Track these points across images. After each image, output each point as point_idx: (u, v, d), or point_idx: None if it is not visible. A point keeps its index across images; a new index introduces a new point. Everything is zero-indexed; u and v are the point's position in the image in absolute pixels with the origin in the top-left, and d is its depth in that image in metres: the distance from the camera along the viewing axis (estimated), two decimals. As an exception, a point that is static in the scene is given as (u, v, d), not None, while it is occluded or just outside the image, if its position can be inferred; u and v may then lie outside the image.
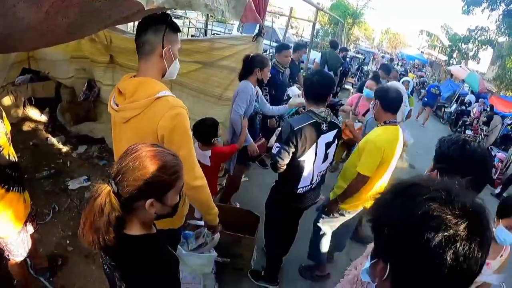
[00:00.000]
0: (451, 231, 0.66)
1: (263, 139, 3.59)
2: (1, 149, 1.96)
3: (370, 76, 8.71)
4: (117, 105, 1.59)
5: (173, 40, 1.62)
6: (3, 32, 1.50)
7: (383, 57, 22.99)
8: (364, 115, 4.41)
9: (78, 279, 2.70)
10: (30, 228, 2.28)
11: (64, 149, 4.31)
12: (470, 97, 13.27)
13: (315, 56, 9.32)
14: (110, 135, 4.33)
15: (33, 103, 4.56)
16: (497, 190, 6.84)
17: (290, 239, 2.94)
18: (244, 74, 3.20)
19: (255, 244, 3.06)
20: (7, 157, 2.01)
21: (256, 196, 4.01)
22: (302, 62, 6.72)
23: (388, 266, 0.76)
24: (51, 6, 1.31)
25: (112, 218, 1.08)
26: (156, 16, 1.57)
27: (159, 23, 1.55)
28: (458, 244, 0.66)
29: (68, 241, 3.00)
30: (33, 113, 4.59)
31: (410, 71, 20.23)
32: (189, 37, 9.12)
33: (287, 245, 2.96)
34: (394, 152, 2.62)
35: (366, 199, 2.76)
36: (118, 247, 1.13)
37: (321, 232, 2.99)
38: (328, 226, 2.97)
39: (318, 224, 2.96)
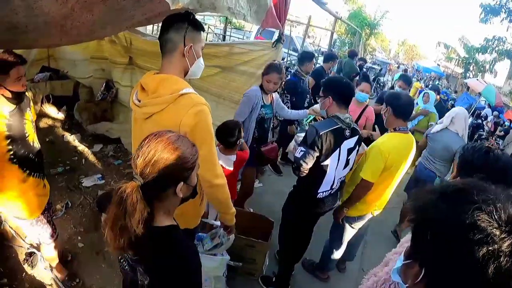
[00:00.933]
0: (496, 245, 0.63)
1: (275, 144, 3.54)
2: (27, 135, 2.11)
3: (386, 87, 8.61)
4: (139, 101, 1.58)
5: (196, 38, 1.59)
6: (27, 25, 1.52)
7: (398, 67, 22.84)
8: (356, 121, 4.21)
9: (87, 276, 2.70)
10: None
11: (80, 147, 4.36)
12: (487, 111, 13.05)
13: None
14: (126, 135, 4.43)
15: (51, 100, 4.65)
16: None
17: (304, 246, 2.90)
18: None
19: (269, 249, 3.02)
20: (31, 144, 2.15)
21: (270, 202, 3.98)
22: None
23: (423, 271, 0.73)
24: (76, 1, 1.32)
25: (145, 215, 1.07)
26: (178, 14, 1.55)
27: (181, 21, 1.53)
28: (501, 259, 0.63)
29: (79, 237, 3.02)
30: (51, 110, 4.67)
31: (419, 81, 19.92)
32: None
33: (301, 252, 2.92)
34: (401, 160, 2.56)
35: (372, 205, 2.74)
36: (147, 240, 1.11)
37: (336, 242, 2.97)
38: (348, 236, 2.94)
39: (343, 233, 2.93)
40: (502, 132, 10.14)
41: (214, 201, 1.86)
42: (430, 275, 0.73)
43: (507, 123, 11.10)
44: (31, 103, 2.23)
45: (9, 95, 1.97)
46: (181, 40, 1.53)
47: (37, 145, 2.23)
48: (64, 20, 1.58)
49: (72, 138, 4.45)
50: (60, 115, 4.76)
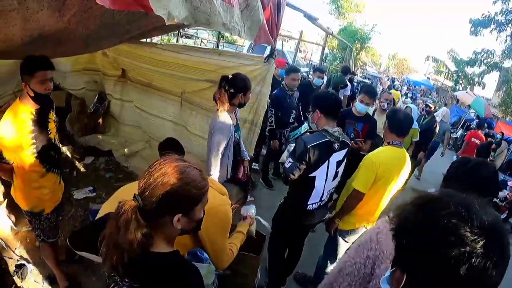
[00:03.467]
0: (468, 247, 0.67)
1: (240, 164, 3.15)
2: (49, 132, 2.28)
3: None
4: None
5: None
6: (23, 37, 1.54)
7: (388, 79, 23.24)
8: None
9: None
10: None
11: (71, 159, 4.33)
12: (476, 123, 13.26)
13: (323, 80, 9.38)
14: (117, 148, 4.40)
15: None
16: (503, 216, 6.80)
17: (294, 258, 2.91)
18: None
19: (260, 263, 3.00)
20: (53, 140, 2.33)
21: (261, 216, 3.98)
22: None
23: (405, 276, 0.78)
24: (72, 15, 1.35)
25: (138, 235, 1.05)
26: None
27: None
28: (473, 260, 0.67)
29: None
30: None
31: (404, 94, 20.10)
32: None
33: (292, 264, 2.92)
34: (392, 172, 2.60)
35: (365, 219, 2.75)
36: (144, 266, 1.10)
37: (331, 257, 2.97)
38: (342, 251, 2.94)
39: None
40: (494, 145, 10.29)
41: None
42: (411, 280, 0.77)
43: (498, 136, 11.27)
44: (54, 106, 2.44)
45: (31, 94, 2.09)
46: None
47: (57, 143, 2.43)
48: (59, 33, 1.60)
49: (63, 150, 4.42)
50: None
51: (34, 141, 2.16)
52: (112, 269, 1.10)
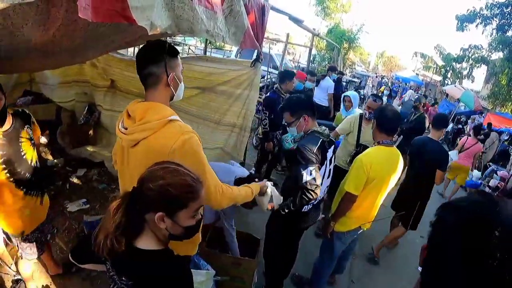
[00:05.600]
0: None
1: None
2: (23, 154, 2.15)
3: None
4: (126, 129, 1.58)
5: (175, 65, 1.64)
6: (9, 51, 1.55)
7: (377, 76, 23.52)
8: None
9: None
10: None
11: (63, 171, 4.31)
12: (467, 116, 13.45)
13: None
14: (109, 159, 4.40)
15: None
16: None
17: (290, 261, 2.91)
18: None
19: (256, 268, 3.01)
20: (29, 162, 2.20)
21: (256, 220, 4.00)
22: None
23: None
24: (57, 29, 1.37)
25: (122, 221, 1.11)
26: (153, 46, 1.59)
27: (158, 53, 1.56)
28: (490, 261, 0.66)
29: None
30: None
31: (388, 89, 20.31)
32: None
33: (288, 267, 2.92)
34: (384, 172, 2.59)
35: (360, 219, 2.76)
36: (130, 262, 1.15)
37: (327, 258, 2.99)
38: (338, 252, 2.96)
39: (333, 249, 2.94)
40: (482, 136, 10.42)
41: (231, 204, 1.88)
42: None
43: (484, 127, 11.43)
44: (33, 119, 2.33)
45: None
46: (163, 71, 1.56)
47: (35, 163, 2.28)
48: (45, 46, 1.61)
49: (55, 163, 4.40)
50: (43, 140, 4.71)
51: (5, 166, 2.06)
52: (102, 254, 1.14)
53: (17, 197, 2.16)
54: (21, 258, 2.49)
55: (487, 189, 7.21)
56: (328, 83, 7.39)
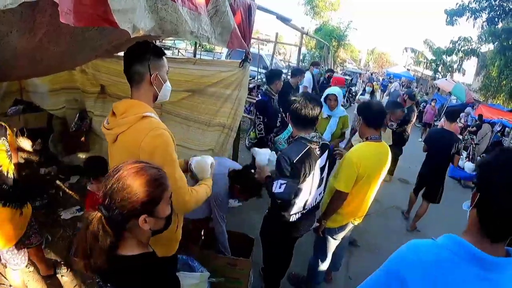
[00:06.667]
0: None
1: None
2: (0, 166, 2.12)
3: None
4: (108, 124, 1.65)
5: (159, 65, 1.67)
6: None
7: (366, 72, 23.72)
8: None
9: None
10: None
11: (57, 179, 4.30)
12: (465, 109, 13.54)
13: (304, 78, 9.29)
14: (102, 164, 4.36)
15: (25, 134, 4.59)
16: None
17: (286, 263, 2.87)
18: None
19: (251, 267, 3.01)
20: (5, 174, 2.16)
21: (251, 219, 4.02)
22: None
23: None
24: (43, 35, 1.38)
25: (106, 244, 1.08)
26: (139, 45, 1.62)
27: (143, 53, 1.60)
28: None
29: (60, 270, 2.95)
30: (25, 144, 4.60)
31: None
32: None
33: (284, 268, 2.91)
34: (374, 168, 2.59)
35: (351, 215, 2.76)
36: (116, 269, 1.13)
37: (321, 256, 3.00)
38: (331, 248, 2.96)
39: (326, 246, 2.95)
40: (474, 127, 10.51)
41: (196, 207, 1.85)
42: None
43: (474, 117, 11.56)
44: (8, 131, 2.27)
45: None
46: (147, 70, 1.60)
47: (13, 175, 2.24)
48: (32, 52, 1.63)
49: (48, 171, 4.38)
50: (36, 148, 4.69)
51: None
52: (86, 271, 1.13)
53: None
54: (5, 268, 2.50)
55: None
56: (306, 77, 7.29)
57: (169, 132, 1.62)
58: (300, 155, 2.18)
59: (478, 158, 8.60)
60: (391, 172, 4.42)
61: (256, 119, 4.52)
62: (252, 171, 2.71)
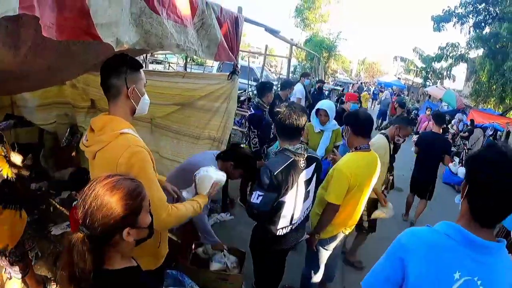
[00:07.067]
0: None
1: None
2: (0, 170, 2.23)
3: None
4: (87, 141, 1.63)
5: (136, 78, 1.64)
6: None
7: (357, 82, 24.06)
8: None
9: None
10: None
11: (47, 194, 4.26)
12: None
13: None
14: (93, 178, 4.36)
15: (16, 149, 4.55)
16: None
17: (278, 276, 2.80)
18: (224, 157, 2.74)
19: (243, 281, 2.98)
20: (5, 177, 2.27)
21: (242, 233, 3.96)
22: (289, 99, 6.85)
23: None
24: (29, 49, 1.40)
25: (92, 262, 1.07)
26: (115, 59, 1.59)
27: (119, 66, 1.57)
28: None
29: (50, 287, 2.93)
30: (16, 158, 4.56)
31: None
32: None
33: (277, 282, 2.82)
34: (365, 178, 2.58)
35: (341, 224, 2.74)
36: (102, 284, 1.12)
37: (314, 267, 2.95)
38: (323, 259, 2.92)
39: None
40: (466, 133, 10.63)
41: (179, 223, 1.86)
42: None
43: (466, 122, 11.68)
44: (4, 138, 2.41)
45: None
46: (123, 84, 1.58)
47: (11, 178, 2.35)
48: (19, 67, 1.64)
49: (39, 186, 4.34)
50: (26, 163, 4.65)
51: None
52: None
53: None
54: (10, 279, 2.51)
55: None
56: (298, 87, 7.30)
57: (146, 150, 1.61)
58: (282, 167, 2.15)
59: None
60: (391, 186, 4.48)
61: (250, 133, 4.50)
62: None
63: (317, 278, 2.99)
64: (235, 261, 2.98)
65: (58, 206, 4.14)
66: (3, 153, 2.29)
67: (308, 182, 2.37)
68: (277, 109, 2.29)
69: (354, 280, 3.68)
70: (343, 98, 15.67)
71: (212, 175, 2.06)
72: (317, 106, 4.11)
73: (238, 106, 7.02)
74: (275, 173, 2.11)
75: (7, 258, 2.38)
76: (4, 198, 2.26)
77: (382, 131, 4.01)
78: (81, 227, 1.09)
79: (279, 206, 2.26)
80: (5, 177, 2.27)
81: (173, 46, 1.86)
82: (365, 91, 19.39)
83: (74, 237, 1.09)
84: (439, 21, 17.24)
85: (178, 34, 1.90)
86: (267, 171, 2.14)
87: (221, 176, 2.13)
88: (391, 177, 4.27)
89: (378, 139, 3.84)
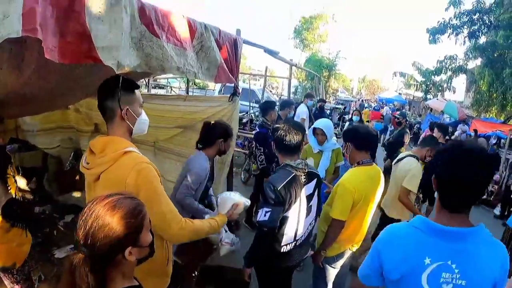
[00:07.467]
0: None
1: None
2: (9, 188, 2.28)
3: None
4: (88, 164, 1.61)
5: (131, 99, 1.62)
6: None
7: (359, 100, 24.20)
8: None
9: None
10: None
11: (51, 218, 4.27)
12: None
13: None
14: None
15: (21, 173, 4.59)
16: (497, 211, 6.95)
17: None
18: (203, 144, 2.83)
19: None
20: (13, 195, 2.31)
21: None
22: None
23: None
24: (32, 72, 1.44)
25: (94, 284, 1.06)
26: (108, 81, 1.58)
27: (112, 87, 1.55)
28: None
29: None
30: (21, 182, 4.59)
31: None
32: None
33: None
34: (369, 193, 2.56)
35: (349, 242, 2.70)
36: None
37: (321, 286, 2.88)
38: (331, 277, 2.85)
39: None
40: (465, 141, 10.60)
41: (195, 238, 1.85)
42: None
43: (469, 133, 11.65)
44: (12, 160, 2.43)
45: None
46: (117, 105, 1.57)
47: (18, 197, 2.40)
48: (22, 89, 1.68)
49: (43, 210, 4.35)
50: (30, 187, 4.68)
51: None
52: None
53: (4, 229, 2.25)
54: None
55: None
56: (302, 109, 7.37)
57: (152, 165, 1.61)
58: (285, 182, 2.16)
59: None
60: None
61: (257, 150, 4.49)
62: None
63: None
64: (235, 236, 2.84)
65: (61, 229, 4.13)
66: (11, 173, 2.36)
67: (309, 198, 2.37)
68: (276, 126, 2.34)
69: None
70: (345, 117, 15.83)
71: (234, 197, 2.12)
72: (313, 126, 3.91)
73: (240, 128, 7.10)
74: (278, 188, 2.12)
75: (14, 276, 2.40)
76: (13, 216, 2.30)
77: (411, 153, 3.86)
78: (82, 247, 1.08)
79: (283, 221, 2.24)
80: (13, 195, 2.33)
81: (173, 69, 1.90)
82: (366, 108, 19.50)
83: (75, 258, 1.08)
84: (435, 33, 17.29)
85: (178, 57, 1.95)
86: (270, 186, 2.15)
87: (244, 200, 2.18)
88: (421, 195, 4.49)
89: (413, 163, 3.67)
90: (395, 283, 1.38)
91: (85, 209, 1.12)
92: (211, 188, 3.15)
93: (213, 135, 2.79)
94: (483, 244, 1.29)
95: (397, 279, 1.36)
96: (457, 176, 1.25)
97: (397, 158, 3.90)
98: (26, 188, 4.62)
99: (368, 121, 11.09)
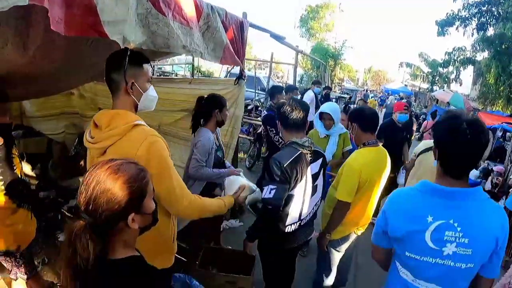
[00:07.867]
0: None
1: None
2: (15, 168, 2.27)
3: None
4: (93, 138, 1.57)
5: (137, 73, 1.57)
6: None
7: (364, 90, 24.15)
8: None
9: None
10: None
11: (55, 202, 4.29)
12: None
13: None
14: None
15: (25, 159, 4.60)
16: (501, 203, 6.91)
17: (288, 278, 2.73)
18: (202, 119, 2.94)
19: (252, 285, 2.90)
20: (19, 176, 2.30)
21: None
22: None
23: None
24: (36, 49, 1.41)
25: (95, 251, 1.02)
26: (116, 53, 1.55)
27: (119, 60, 1.51)
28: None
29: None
30: (25, 168, 4.61)
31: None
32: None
33: (287, 285, 2.75)
34: (375, 174, 2.53)
35: (353, 225, 2.68)
36: (102, 276, 1.06)
37: (325, 270, 2.88)
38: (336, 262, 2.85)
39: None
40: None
41: (202, 216, 1.84)
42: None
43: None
44: (15, 143, 2.41)
45: None
46: (122, 78, 1.53)
47: (24, 177, 2.40)
48: (27, 68, 1.66)
49: (47, 195, 4.37)
50: (35, 173, 4.70)
51: (1, 177, 2.16)
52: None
53: (11, 210, 2.23)
54: (15, 280, 2.49)
55: (487, 186, 7.27)
56: (309, 94, 7.40)
57: (162, 139, 1.59)
58: (291, 159, 2.14)
59: (482, 164, 8.56)
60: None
61: (269, 132, 4.45)
62: None
63: (329, 281, 2.91)
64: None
65: (66, 213, 4.15)
66: (17, 153, 2.34)
67: (315, 177, 2.35)
68: (281, 102, 2.32)
69: (368, 284, 3.61)
70: (350, 106, 15.76)
71: (241, 179, 2.13)
72: (320, 110, 3.85)
73: (246, 115, 7.09)
74: (284, 165, 2.10)
75: (16, 260, 2.38)
76: (19, 196, 2.28)
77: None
78: (83, 214, 1.04)
79: (288, 200, 2.22)
80: (19, 175, 2.31)
81: (179, 47, 1.86)
82: (372, 97, 19.42)
83: (75, 225, 1.03)
84: (443, 25, 17.02)
85: (184, 35, 1.91)
86: (276, 163, 2.13)
87: (251, 184, 2.17)
88: None
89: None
90: (400, 242, 1.49)
91: (86, 174, 1.07)
92: (226, 161, 3.19)
93: (208, 107, 2.88)
94: (483, 204, 1.39)
95: (402, 236, 1.46)
96: (457, 142, 1.33)
97: (426, 147, 3.64)
98: (31, 173, 4.65)
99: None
